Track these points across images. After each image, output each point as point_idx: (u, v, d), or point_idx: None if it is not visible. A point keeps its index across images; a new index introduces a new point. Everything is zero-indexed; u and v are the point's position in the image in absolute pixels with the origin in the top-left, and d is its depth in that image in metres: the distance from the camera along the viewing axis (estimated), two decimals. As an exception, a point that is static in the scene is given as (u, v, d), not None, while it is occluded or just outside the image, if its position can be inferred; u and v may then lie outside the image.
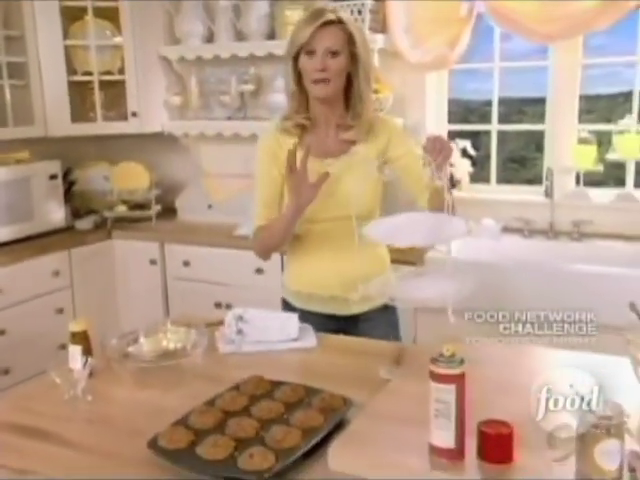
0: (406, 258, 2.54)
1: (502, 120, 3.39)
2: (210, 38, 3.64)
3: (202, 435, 1.29)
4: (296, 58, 1.91)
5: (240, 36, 3.55)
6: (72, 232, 3.56)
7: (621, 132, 3.08)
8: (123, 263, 3.59)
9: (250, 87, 3.57)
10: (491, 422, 1.18)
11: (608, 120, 3.21)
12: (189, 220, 3.72)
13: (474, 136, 3.43)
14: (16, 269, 3.15)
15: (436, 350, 1.20)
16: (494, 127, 3.39)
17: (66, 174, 3.69)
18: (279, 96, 3.46)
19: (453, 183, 3.15)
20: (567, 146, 3.18)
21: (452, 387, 1.18)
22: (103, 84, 3.67)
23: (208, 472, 1.21)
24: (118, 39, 3.66)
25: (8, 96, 3.43)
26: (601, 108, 3.34)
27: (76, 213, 3.71)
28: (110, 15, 3.63)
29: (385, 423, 1.30)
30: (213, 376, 1.65)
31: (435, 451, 1.19)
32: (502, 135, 3.43)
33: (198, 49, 3.61)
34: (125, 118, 3.68)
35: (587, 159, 3.12)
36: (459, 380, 1.18)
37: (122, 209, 3.71)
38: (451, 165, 1.75)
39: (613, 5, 2.84)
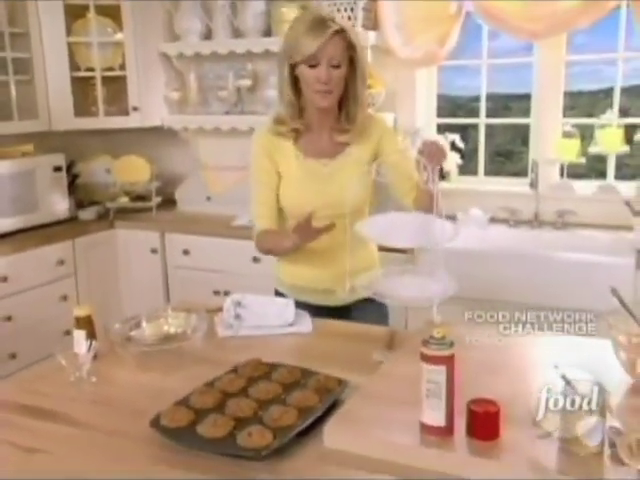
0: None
1: (489, 115, 3.39)
2: (208, 35, 3.62)
3: (202, 415, 1.29)
4: (292, 64, 1.85)
5: (237, 33, 3.54)
6: (76, 222, 3.56)
7: (602, 126, 3.09)
8: (125, 252, 3.59)
9: (247, 82, 3.56)
10: (479, 401, 1.19)
11: (590, 115, 3.21)
12: (188, 211, 3.72)
13: (463, 130, 3.43)
14: (22, 258, 3.14)
15: (427, 333, 1.21)
16: (482, 121, 3.39)
17: (70, 167, 3.68)
18: (275, 92, 3.45)
19: (442, 175, 3.15)
20: (551, 140, 3.19)
21: (442, 368, 1.19)
22: (105, 80, 3.66)
23: (208, 449, 1.21)
24: (119, 36, 3.64)
25: (13, 91, 3.41)
26: (584, 104, 3.35)
27: (80, 204, 3.70)
28: (111, 13, 3.61)
29: (378, 403, 1.31)
30: (212, 359, 1.65)
31: (426, 429, 1.20)
32: (489, 129, 3.43)
33: (197, 46, 3.60)
34: (126, 113, 3.66)
35: (570, 152, 3.13)
36: (449, 361, 1.19)
37: (124, 200, 3.71)
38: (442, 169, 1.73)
39: (594, 5, 2.85)
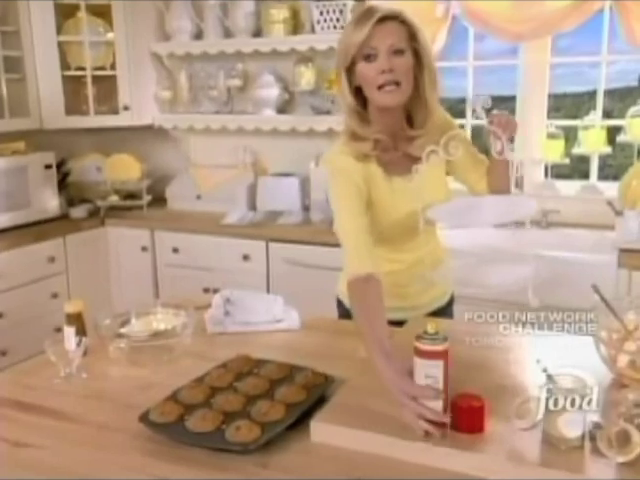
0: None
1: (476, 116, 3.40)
2: (199, 35, 3.62)
3: (191, 409, 1.29)
4: (349, 70, 1.56)
5: (227, 33, 3.54)
6: (67, 220, 3.54)
7: (586, 128, 3.11)
8: (115, 250, 3.57)
9: (237, 82, 3.57)
10: (464, 396, 1.20)
11: (574, 117, 3.23)
12: (178, 209, 3.70)
13: (449, 131, 3.43)
14: (13, 255, 3.13)
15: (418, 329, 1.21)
16: (468, 122, 3.40)
17: (60, 165, 3.66)
18: (264, 91, 3.47)
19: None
20: (536, 140, 3.20)
21: (440, 362, 1.19)
22: (96, 79, 3.64)
23: (197, 443, 1.21)
24: (110, 35, 3.62)
25: (5, 89, 3.39)
26: (568, 105, 3.37)
27: (71, 202, 3.68)
28: (102, 12, 3.59)
29: (363, 398, 1.31)
30: (201, 355, 1.65)
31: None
32: (476, 130, 3.44)
33: (187, 45, 3.59)
34: (117, 111, 3.65)
35: (555, 153, 3.15)
36: (445, 356, 1.20)
37: (114, 198, 3.69)
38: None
39: (578, 7, 2.87)
